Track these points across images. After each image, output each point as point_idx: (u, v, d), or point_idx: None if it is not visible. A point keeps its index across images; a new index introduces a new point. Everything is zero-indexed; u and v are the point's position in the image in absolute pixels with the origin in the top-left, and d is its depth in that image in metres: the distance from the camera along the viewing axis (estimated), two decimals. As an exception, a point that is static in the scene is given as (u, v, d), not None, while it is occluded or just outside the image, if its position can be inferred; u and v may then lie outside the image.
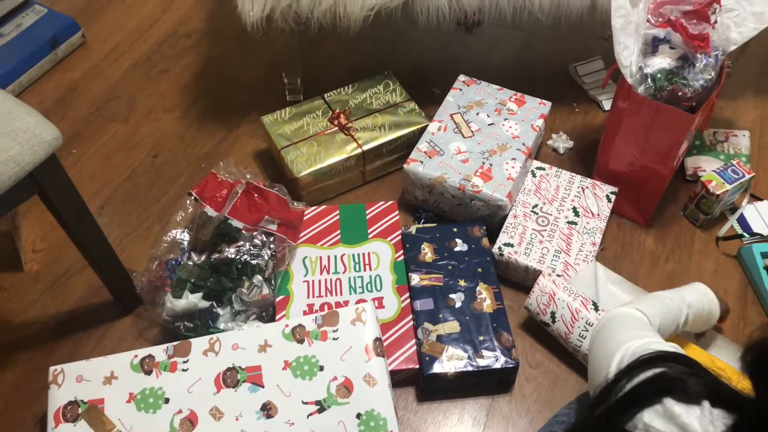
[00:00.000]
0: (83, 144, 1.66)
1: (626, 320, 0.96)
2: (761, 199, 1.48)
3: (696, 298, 1.10)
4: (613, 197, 1.42)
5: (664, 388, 0.74)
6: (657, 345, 0.84)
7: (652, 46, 1.32)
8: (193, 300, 1.24)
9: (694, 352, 1.20)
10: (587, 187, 1.44)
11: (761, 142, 1.60)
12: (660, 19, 1.30)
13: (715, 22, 1.28)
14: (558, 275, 1.29)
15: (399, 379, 1.23)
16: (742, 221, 1.44)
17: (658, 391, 0.74)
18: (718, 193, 1.37)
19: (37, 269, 1.41)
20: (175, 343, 1.15)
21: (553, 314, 1.23)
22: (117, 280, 1.27)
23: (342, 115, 1.52)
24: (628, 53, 1.29)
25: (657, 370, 0.76)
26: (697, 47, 1.27)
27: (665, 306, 1.03)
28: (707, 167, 1.50)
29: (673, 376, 0.75)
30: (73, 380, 1.11)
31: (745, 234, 1.42)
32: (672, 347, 0.84)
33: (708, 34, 1.26)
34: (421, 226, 1.39)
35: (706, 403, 0.70)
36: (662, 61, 1.30)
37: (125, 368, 1.12)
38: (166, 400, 1.09)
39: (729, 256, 1.41)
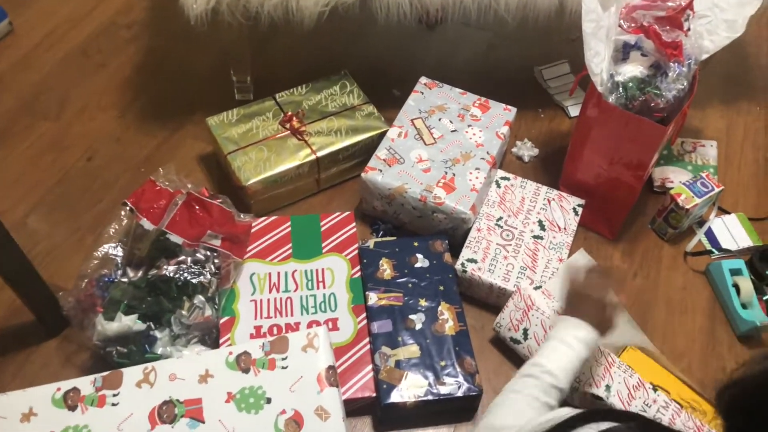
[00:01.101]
0: (9, 143, 1.51)
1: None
2: (728, 213, 1.44)
3: (557, 354, 0.94)
4: (580, 210, 1.35)
5: None
6: None
7: (623, 53, 1.26)
8: (127, 323, 1.12)
9: (664, 377, 1.15)
10: (553, 199, 1.37)
11: (727, 152, 1.56)
12: (632, 25, 1.24)
13: (688, 29, 1.23)
14: (537, 286, 1.21)
15: (353, 408, 1.14)
16: (710, 236, 1.40)
17: None
18: (687, 207, 1.32)
19: (-51, 286, 1.26)
20: (104, 373, 1.03)
21: (525, 331, 1.16)
22: (40, 301, 1.14)
23: (295, 118, 1.41)
24: (598, 60, 1.23)
25: (607, 426, 0.68)
26: (670, 55, 1.21)
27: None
28: (675, 179, 1.46)
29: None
30: (-15, 418, 0.98)
31: (713, 249, 1.38)
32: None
33: (681, 41, 1.21)
34: (379, 239, 1.29)
35: None
36: (634, 69, 1.24)
37: (46, 403, 1.00)
38: (92, 441, 0.97)
39: (697, 271, 1.37)
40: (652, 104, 1.22)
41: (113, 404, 1.01)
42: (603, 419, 0.68)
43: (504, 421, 0.86)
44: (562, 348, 0.95)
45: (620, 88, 1.24)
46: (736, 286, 1.29)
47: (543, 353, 0.95)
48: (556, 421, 0.72)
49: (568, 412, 0.74)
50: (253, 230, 1.29)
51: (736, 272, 1.31)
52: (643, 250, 1.39)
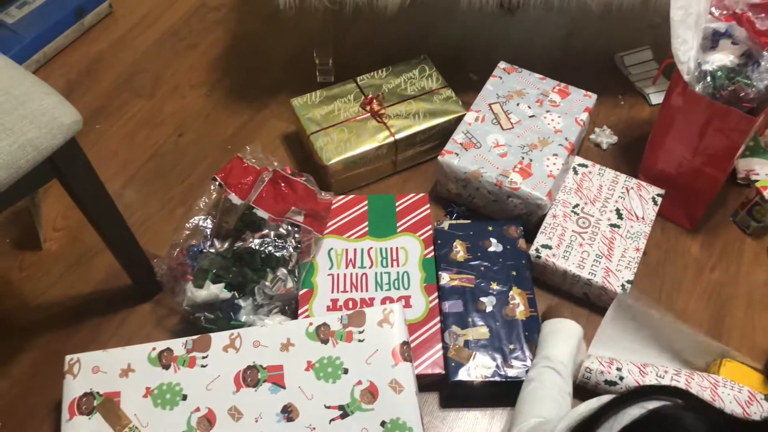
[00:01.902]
0: (107, 119, 1.61)
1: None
2: (818, 208, 1.39)
3: (559, 347, 1.08)
4: (659, 200, 1.34)
5: (657, 430, 0.65)
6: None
7: (713, 41, 1.23)
8: (214, 291, 1.19)
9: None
10: (632, 188, 1.35)
11: (820, 146, 1.50)
12: (724, 12, 1.20)
13: (785, 16, 1.18)
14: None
15: (423, 384, 1.18)
16: (797, 231, 1.35)
17: None
18: (774, 200, 1.28)
19: (56, 249, 1.38)
20: (194, 337, 1.11)
21: (619, 369, 1.14)
22: (137, 267, 1.23)
23: (375, 101, 1.45)
24: (686, 48, 1.20)
25: (644, 410, 0.67)
26: (764, 44, 1.17)
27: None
28: (761, 171, 1.41)
29: (667, 415, 0.66)
30: (89, 371, 1.07)
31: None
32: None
33: (776, 29, 1.17)
34: (454, 222, 1.32)
35: None
36: (723, 58, 1.21)
37: (143, 361, 1.08)
38: (184, 397, 1.05)
39: (781, 267, 1.33)
40: (742, 94, 1.19)
41: (202, 366, 1.08)
42: (649, 397, 0.68)
43: (544, 412, 0.95)
44: (565, 340, 1.08)
45: (708, 77, 1.21)
46: (823, 285, 1.25)
47: (549, 346, 1.08)
48: (602, 403, 0.73)
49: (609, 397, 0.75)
50: (332, 208, 1.34)
51: (822, 270, 1.27)
52: (723, 242, 1.36)
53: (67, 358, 1.09)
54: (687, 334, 1.15)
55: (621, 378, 1.12)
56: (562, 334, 1.09)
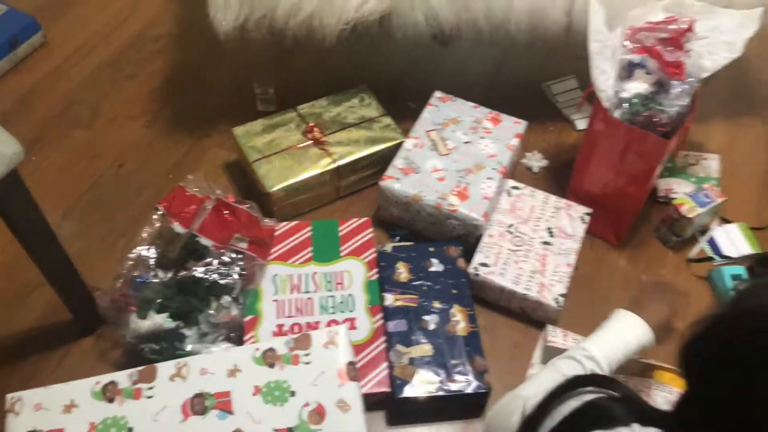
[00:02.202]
0: (43, 150, 1.59)
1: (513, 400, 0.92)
2: (730, 222, 1.50)
3: (608, 344, 0.99)
4: (587, 218, 1.42)
5: (589, 420, 0.70)
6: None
7: (628, 71, 1.33)
8: (158, 321, 1.20)
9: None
10: (562, 208, 1.43)
11: (730, 166, 1.62)
12: (636, 45, 1.30)
13: (689, 50, 1.29)
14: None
15: (369, 403, 1.20)
16: (712, 244, 1.46)
17: (583, 425, 0.70)
18: (690, 216, 1.38)
19: (-10, 286, 1.35)
20: (139, 368, 1.10)
21: None
22: (78, 300, 1.22)
23: (316, 129, 1.49)
24: (605, 77, 1.29)
25: (580, 402, 0.73)
26: (672, 74, 1.28)
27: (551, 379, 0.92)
28: (679, 190, 1.52)
29: (600, 406, 0.72)
30: (32, 409, 1.05)
31: (715, 256, 1.44)
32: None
33: (683, 61, 1.28)
34: (396, 244, 1.36)
35: (635, 426, 0.68)
36: (638, 86, 1.31)
37: (86, 396, 1.07)
38: (130, 430, 1.04)
39: (700, 277, 1.43)
40: (656, 119, 1.29)
41: (148, 397, 1.08)
42: (587, 388, 0.74)
43: (527, 392, 0.90)
44: (615, 339, 0.99)
45: (625, 104, 1.31)
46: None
47: (594, 339, 1.00)
48: (547, 392, 0.77)
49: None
50: (276, 234, 1.36)
51: (737, 278, 1.37)
52: (648, 256, 1.46)
53: (8, 396, 1.06)
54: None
55: None
56: (619, 336, 1.01)
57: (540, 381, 0.94)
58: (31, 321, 1.30)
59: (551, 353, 1.23)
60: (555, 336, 1.24)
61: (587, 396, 0.73)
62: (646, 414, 0.70)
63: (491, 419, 0.95)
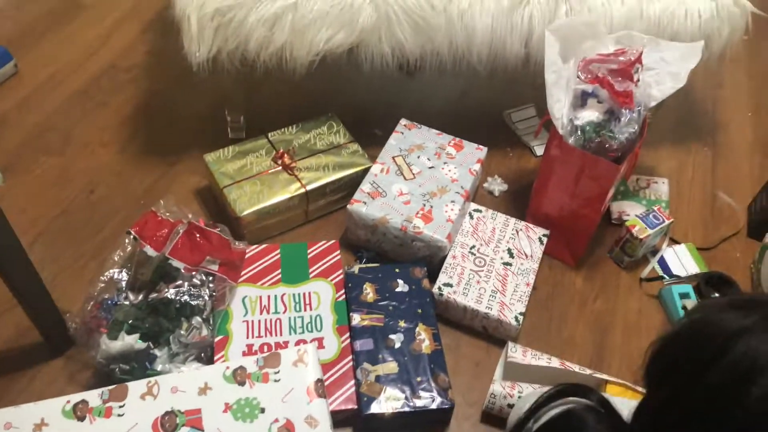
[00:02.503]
0: (14, 177, 1.60)
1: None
2: (679, 243, 1.58)
3: None
4: (545, 239, 1.49)
5: (567, 426, 0.77)
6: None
7: (581, 100, 1.41)
8: (129, 341, 1.21)
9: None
10: (521, 230, 1.50)
11: (678, 189, 1.72)
12: (589, 76, 1.39)
13: (638, 80, 1.38)
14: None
15: (337, 420, 1.24)
16: (663, 263, 1.54)
17: (562, 430, 0.77)
18: (641, 237, 1.46)
19: (-40, 309, 1.35)
20: (110, 387, 1.12)
21: (521, 392, 1.25)
22: (49, 321, 1.23)
23: (286, 155, 1.54)
24: (559, 106, 1.37)
25: (561, 410, 0.79)
26: (622, 103, 1.36)
27: None
28: (631, 212, 1.60)
29: (577, 414, 0.78)
30: (2, 428, 1.06)
31: (665, 276, 1.52)
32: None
33: (632, 91, 1.36)
34: (363, 266, 1.41)
35: None
36: (591, 114, 1.39)
37: (56, 415, 1.08)
38: (101, 448, 1.06)
39: (651, 296, 1.50)
40: (607, 145, 1.37)
41: (119, 415, 1.09)
42: (570, 397, 0.80)
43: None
44: None
45: (579, 131, 1.39)
46: (686, 309, 1.42)
47: None
48: (537, 398, 0.84)
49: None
50: (246, 257, 1.40)
51: (685, 296, 1.44)
52: (603, 276, 1.53)
53: (-23, 416, 1.07)
54: (572, 373, 1.27)
55: None
56: None
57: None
58: (1, 342, 1.31)
59: (512, 369, 1.29)
60: (515, 352, 1.29)
61: (569, 405, 0.79)
62: (617, 423, 0.76)
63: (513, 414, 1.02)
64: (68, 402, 1.10)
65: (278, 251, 1.43)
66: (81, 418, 1.09)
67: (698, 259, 1.54)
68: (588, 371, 1.28)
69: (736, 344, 0.59)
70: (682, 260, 1.54)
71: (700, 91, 1.99)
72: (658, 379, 0.67)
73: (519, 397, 1.24)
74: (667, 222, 1.49)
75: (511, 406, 1.23)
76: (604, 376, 1.26)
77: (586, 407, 0.78)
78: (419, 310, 1.34)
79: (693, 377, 0.62)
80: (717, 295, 1.46)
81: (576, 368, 1.28)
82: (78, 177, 1.62)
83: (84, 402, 1.10)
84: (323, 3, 1.39)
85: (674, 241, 1.59)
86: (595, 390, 0.83)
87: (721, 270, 1.51)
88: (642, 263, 1.55)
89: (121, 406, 1.10)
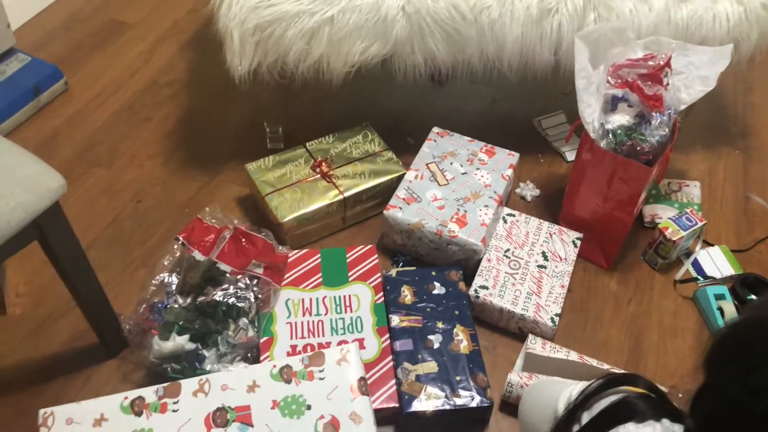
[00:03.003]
0: (67, 189, 1.68)
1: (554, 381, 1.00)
2: (712, 245, 1.60)
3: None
4: (578, 242, 1.51)
5: (624, 415, 0.78)
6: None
7: (612, 105, 1.44)
8: (180, 342, 1.27)
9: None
10: (554, 233, 1.53)
11: (710, 192, 1.73)
12: (618, 81, 1.42)
13: (667, 84, 1.41)
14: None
15: (379, 418, 1.27)
16: (696, 265, 1.55)
17: (619, 418, 0.78)
18: (674, 239, 1.48)
19: (20, 313, 1.42)
20: (165, 384, 1.17)
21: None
22: (105, 323, 1.30)
23: (324, 163, 1.59)
24: (590, 111, 1.41)
25: (616, 397, 0.81)
26: (652, 106, 1.39)
27: None
28: (663, 215, 1.62)
29: (633, 402, 0.79)
30: (63, 423, 1.12)
31: (699, 277, 1.53)
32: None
33: (661, 94, 1.39)
34: (400, 269, 1.45)
35: (665, 421, 0.75)
36: (621, 118, 1.42)
37: (115, 410, 1.14)
38: (157, 441, 1.11)
39: (686, 297, 1.51)
40: (638, 148, 1.40)
41: (173, 410, 1.15)
42: (620, 385, 0.82)
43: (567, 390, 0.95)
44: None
45: (610, 135, 1.42)
46: (721, 310, 1.44)
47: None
48: (590, 386, 0.85)
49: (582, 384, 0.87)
50: (288, 261, 1.45)
51: (720, 297, 1.46)
52: (637, 278, 1.55)
53: (41, 411, 1.13)
54: (590, 367, 1.30)
55: None
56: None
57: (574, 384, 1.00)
58: (57, 346, 1.38)
59: (531, 360, 1.32)
60: (535, 344, 1.33)
61: (622, 394, 0.81)
62: (675, 412, 0.77)
63: (526, 408, 1.02)
64: (126, 398, 1.15)
65: (318, 256, 1.48)
66: (138, 413, 1.14)
67: (733, 261, 1.55)
68: (606, 366, 1.30)
69: None
70: (716, 262, 1.55)
71: (730, 94, 2.01)
72: (722, 365, 0.68)
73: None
74: (700, 224, 1.51)
75: None
76: (607, 366, 1.29)
77: (639, 395, 0.80)
78: (456, 312, 1.38)
79: (758, 363, 0.63)
80: (753, 297, 1.47)
81: (594, 362, 1.31)
82: (126, 188, 1.70)
83: (141, 398, 1.16)
84: (358, 16, 1.45)
85: (708, 244, 1.60)
86: (643, 377, 0.84)
87: (756, 272, 1.52)
88: (676, 265, 1.56)
89: (175, 402, 1.15)
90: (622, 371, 1.28)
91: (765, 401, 0.62)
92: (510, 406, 1.31)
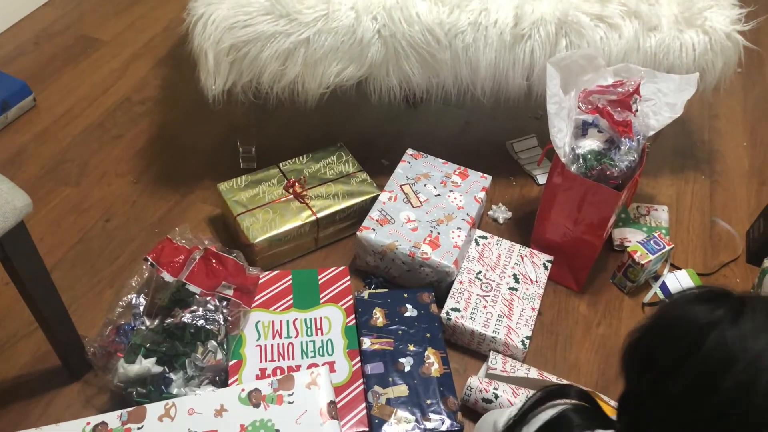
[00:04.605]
0: (33, 206, 1.64)
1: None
2: (680, 268, 1.62)
3: None
4: (549, 265, 1.53)
5: (560, 430, 0.81)
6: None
7: (582, 130, 1.46)
8: (146, 365, 1.24)
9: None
10: (526, 256, 1.54)
11: (678, 216, 1.76)
12: (589, 106, 1.44)
13: (636, 110, 1.44)
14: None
15: (351, 442, 1.26)
16: (664, 288, 1.57)
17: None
18: (642, 262, 1.50)
19: (-20, 334, 1.38)
20: (129, 409, 1.15)
21: (495, 389, 1.30)
22: (68, 346, 1.26)
23: (297, 184, 1.59)
24: (561, 135, 1.43)
25: (553, 412, 0.83)
26: (622, 132, 1.42)
27: None
28: (632, 238, 1.64)
29: (567, 415, 0.82)
30: (22, 449, 1.09)
31: (666, 300, 1.55)
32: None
33: (631, 120, 1.42)
34: (373, 291, 1.45)
35: (598, 431, 0.78)
36: (591, 143, 1.44)
37: (77, 436, 1.11)
38: (120, 468, 1.08)
39: (654, 320, 1.53)
40: (608, 173, 1.42)
41: (137, 436, 1.12)
42: (557, 399, 0.84)
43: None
44: None
45: (580, 159, 1.44)
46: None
47: None
48: (525, 403, 0.88)
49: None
50: (258, 282, 1.44)
51: (687, 320, 1.48)
52: (606, 301, 1.56)
53: (-1, 437, 1.10)
54: (550, 383, 1.30)
55: (496, 396, 1.28)
56: None
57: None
58: (17, 369, 1.34)
59: (493, 377, 1.32)
60: (495, 364, 1.35)
61: (559, 408, 0.84)
62: (606, 419, 0.81)
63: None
64: (88, 424, 1.12)
65: (290, 277, 1.46)
66: (100, 440, 1.11)
67: (699, 284, 1.58)
68: (565, 382, 1.31)
69: (707, 338, 0.63)
70: (683, 285, 1.57)
71: (696, 121, 2.05)
72: (636, 372, 0.72)
73: (494, 391, 1.29)
74: (667, 248, 1.53)
75: (485, 400, 1.29)
76: (564, 381, 1.31)
77: (574, 407, 0.83)
78: (428, 335, 1.37)
79: (670, 370, 0.65)
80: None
81: (554, 379, 1.32)
82: (94, 206, 1.67)
83: (104, 423, 1.13)
84: (334, 38, 1.45)
85: (675, 267, 1.63)
86: (576, 386, 0.87)
87: (722, 294, 1.55)
88: (644, 288, 1.58)
89: (139, 428, 1.13)
90: (586, 388, 1.29)
91: (677, 407, 0.65)
92: (468, 410, 1.32)
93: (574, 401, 0.84)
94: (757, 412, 0.60)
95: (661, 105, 1.49)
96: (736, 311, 0.63)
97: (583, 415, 0.81)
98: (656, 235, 1.55)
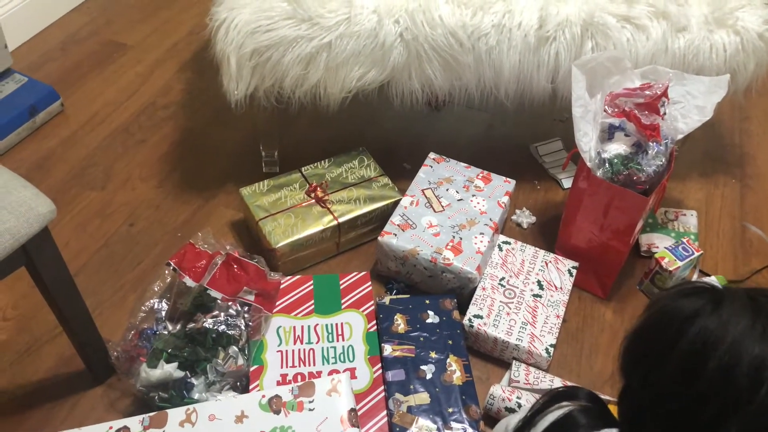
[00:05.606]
0: (59, 211, 1.63)
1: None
2: (709, 275, 1.58)
3: None
4: (574, 271, 1.50)
5: (567, 430, 0.83)
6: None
7: (609, 133, 1.44)
8: (168, 370, 1.25)
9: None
10: (550, 261, 1.52)
11: (707, 221, 1.72)
12: (615, 110, 1.42)
13: (664, 113, 1.41)
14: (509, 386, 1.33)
15: (371, 450, 1.25)
16: (694, 296, 1.53)
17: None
18: (670, 269, 1.46)
19: (5, 338, 1.40)
20: (151, 413, 1.15)
21: (518, 398, 1.28)
22: (92, 350, 1.27)
23: (319, 188, 1.58)
24: (587, 139, 1.40)
25: (560, 413, 0.84)
26: (649, 136, 1.38)
27: None
28: (660, 244, 1.61)
29: (573, 416, 0.83)
30: (46, 453, 1.10)
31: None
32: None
33: (658, 124, 1.39)
34: (394, 297, 1.43)
35: (605, 430, 0.80)
36: (618, 147, 1.41)
37: (99, 440, 1.12)
38: (141, 473, 1.09)
39: (683, 328, 1.49)
40: (635, 178, 1.39)
41: (159, 441, 1.12)
42: (564, 400, 0.85)
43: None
44: None
45: (607, 164, 1.41)
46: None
47: None
48: (528, 411, 0.89)
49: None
50: (280, 287, 1.43)
51: (717, 329, 1.44)
52: (633, 308, 1.53)
53: (23, 440, 1.11)
54: None
55: (519, 405, 1.26)
56: None
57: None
58: (42, 373, 1.35)
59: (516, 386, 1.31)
60: (518, 376, 1.33)
61: (566, 408, 0.85)
62: (612, 419, 0.82)
63: None
64: (111, 428, 1.13)
65: (311, 282, 1.46)
66: (122, 445, 1.12)
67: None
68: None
69: (690, 327, 0.66)
70: (714, 292, 1.53)
71: (727, 123, 2.01)
72: (630, 369, 0.74)
73: (517, 401, 1.27)
74: (696, 254, 1.49)
75: (508, 409, 1.27)
76: (609, 398, 1.27)
77: (581, 408, 0.84)
78: (450, 342, 1.36)
79: (658, 361, 0.69)
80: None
81: None
82: (118, 211, 1.68)
83: (126, 428, 1.13)
84: (356, 42, 1.45)
85: (704, 273, 1.59)
86: (583, 388, 0.89)
87: (753, 302, 1.50)
88: (672, 295, 1.54)
89: (160, 433, 1.13)
90: (608, 397, 1.27)
91: (665, 396, 0.69)
92: (491, 419, 1.31)
93: (581, 402, 0.85)
94: (741, 390, 0.63)
95: (690, 108, 1.45)
96: (716, 301, 0.67)
97: (590, 415, 0.82)
98: (685, 240, 1.52)
